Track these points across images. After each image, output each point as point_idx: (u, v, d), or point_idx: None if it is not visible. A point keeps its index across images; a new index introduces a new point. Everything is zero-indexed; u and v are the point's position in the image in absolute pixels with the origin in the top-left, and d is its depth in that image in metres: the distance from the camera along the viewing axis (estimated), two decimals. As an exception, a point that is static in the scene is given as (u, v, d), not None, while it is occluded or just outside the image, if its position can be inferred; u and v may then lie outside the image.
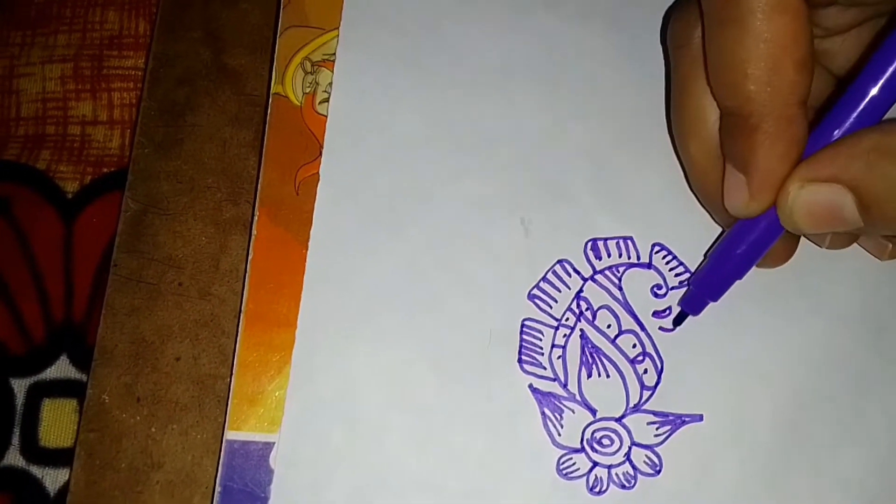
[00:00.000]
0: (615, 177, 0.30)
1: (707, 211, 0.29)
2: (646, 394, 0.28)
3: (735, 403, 0.28)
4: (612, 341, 0.29)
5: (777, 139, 0.24)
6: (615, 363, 0.28)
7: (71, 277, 0.32)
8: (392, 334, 0.28)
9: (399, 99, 0.30)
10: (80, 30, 0.34)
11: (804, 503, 0.28)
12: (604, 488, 0.27)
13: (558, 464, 0.27)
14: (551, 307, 0.29)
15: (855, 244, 0.29)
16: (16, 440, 0.30)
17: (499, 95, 0.31)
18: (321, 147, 0.30)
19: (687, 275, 0.29)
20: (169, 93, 0.32)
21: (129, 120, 0.34)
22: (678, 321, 0.29)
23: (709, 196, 0.28)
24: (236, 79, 0.32)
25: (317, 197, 0.29)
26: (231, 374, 0.28)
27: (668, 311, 0.29)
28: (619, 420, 0.28)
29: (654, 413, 0.28)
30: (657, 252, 0.29)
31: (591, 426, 0.28)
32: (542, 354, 0.28)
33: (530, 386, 0.28)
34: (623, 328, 0.29)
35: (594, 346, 0.28)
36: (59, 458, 0.30)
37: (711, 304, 0.28)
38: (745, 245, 0.26)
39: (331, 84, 0.30)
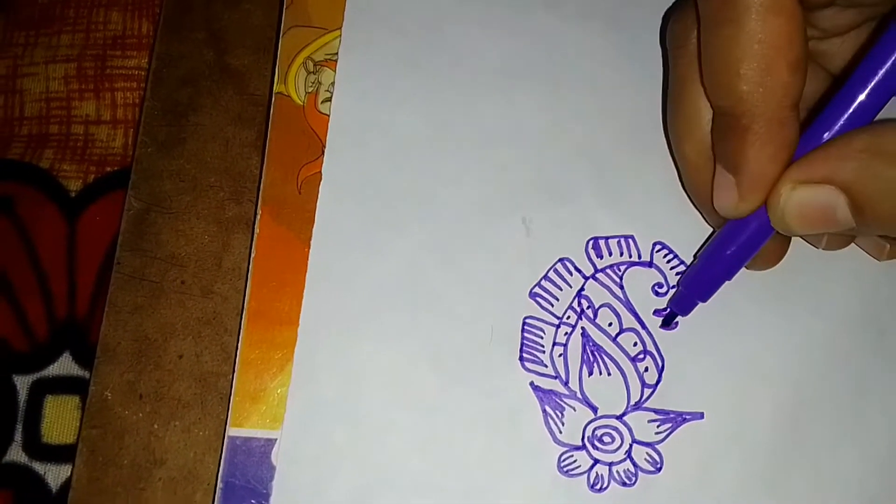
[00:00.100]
0: (616, 176, 0.30)
1: (698, 211, 0.29)
2: (647, 392, 0.28)
3: (736, 402, 0.28)
4: (614, 339, 0.29)
5: (768, 140, 0.24)
6: (616, 361, 0.28)
7: (74, 275, 0.32)
8: (393, 332, 0.28)
9: (401, 98, 0.31)
10: (84, 30, 0.35)
11: (804, 502, 0.28)
12: (605, 486, 0.27)
13: (559, 461, 0.27)
14: (553, 305, 0.29)
15: (853, 245, 0.29)
16: (18, 436, 0.30)
17: (499, 95, 0.31)
18: (323, 146, 0.30)
19: (687, 274, 0.29)
20: (172, 92, 0.32)
21: (132, 119, 0.34)
22: (668, 321, 0.29)
23: (700, 196, 0.28)
24: (239, 78, 0.32)
25: (319, 196, 0.29)
26: (233, 371, 0.28)
27: (669, 310, 0.29)
28: (620, 418, 0.28)
29: (655, 411, 0.28)
30: (658, 251, 0.29)
31: (592, 424, 0.28)
32: (544, 352, 0.28)
33: (531, 384, 0.28)
34: (624, 326, 0.29)
35: (595, 344, 0.29)
36: (62, 454, 0.30)
37: (713, 304, 0.28)
38: (735, 246, 0.26)
39: (333, 84, 0.31)
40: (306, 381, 0.28)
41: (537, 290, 0.29)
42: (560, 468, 0.27)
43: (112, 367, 0.29)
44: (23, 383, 0.31)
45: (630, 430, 0.28)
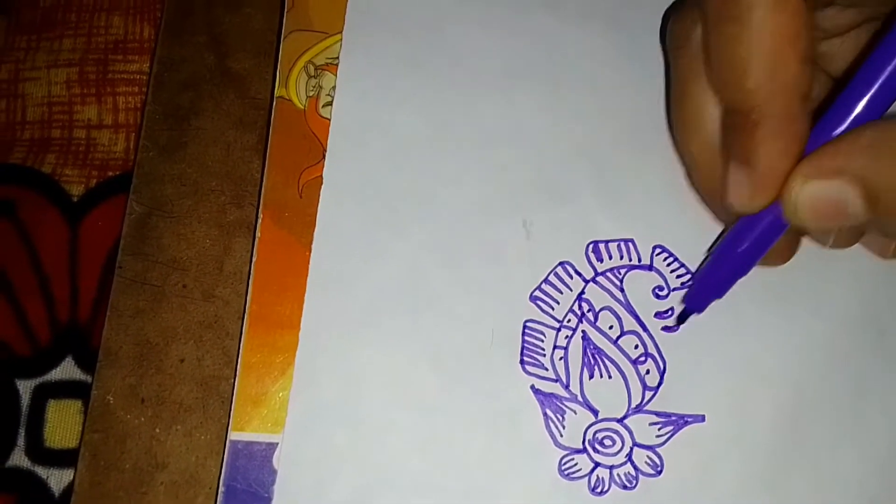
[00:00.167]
0: (616, 178, 0.30)
1: (708, 209, 0.29)
2: (648, 394, 0.28)
3: (737, 404, 0.28)
4: (614, 342, 0.29)
5: (779, 134, 0.24)
6: (617, 364, 0.28)
7: (76, 280, 0.32)
8: (394, 336, 0.28)
9: (401, 102, 0.31)
10: (86, 34, 0.35)
11: (804, 503, 0.28)
12: (605, 489, 0.27)
13: (560, 464, 0.28)
14: (553, 308, 0.29)
15: (857, 245, 0.29)
16: (21, 441, 0.30)
17: (500, 97, 0.31)
18: (324, 150, 0.30)
19: (688, 276, 0.29)
20: (173, 97, 0.32)
21: (133, 124, 0.34)
22: (682, 318, 0.29)
23: (710, 194, 0.28)
24: (240, 83, 0.32)
25: (320, 200, 0.29)
26: (235, 375, 0.28)
27: (669, 312, 0.29)
28: (620, 421, 0.28)
29: (656, 413, 0.28)
30: (658, 254, 0.29)
31: (593, 427, 0.28)
32: (544, 355, 0.28)
33: (532, 387, 0.28)
34: (625, 329, 0.29)
35: (596, 347, 0.29)
36: (64, 458, 0.30)
37: (713, 305, 0.28)
38: (748, 242, 0.26)
39: (334, 87, 0.31)
40: (307, 384, 0.28)
41: (538, 293, 0.29)
42: (561, 471, 0.27)
43: (114, 372, 0.29)
44: (25, 388, 0.31)
45: (631, 433, 0.28)
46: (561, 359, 0.28)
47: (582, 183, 0.30)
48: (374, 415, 0.28)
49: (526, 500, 0.27)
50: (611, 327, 0.29)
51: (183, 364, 0.29)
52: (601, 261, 0.29)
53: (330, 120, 0.30)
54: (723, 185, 0.26)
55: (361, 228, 0.29)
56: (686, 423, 0.28)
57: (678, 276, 0.29)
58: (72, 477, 0.29)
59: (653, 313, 0.29)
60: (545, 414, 0.28)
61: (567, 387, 0.28)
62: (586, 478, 0.27)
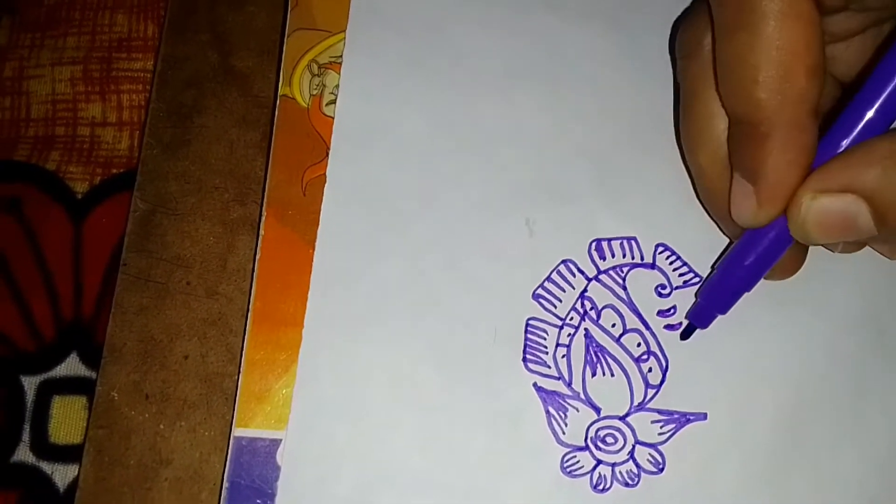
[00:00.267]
0: (618, 177, 0.30)
1: (715, 222, 0.29)
2: (650, 392, 0.28)
3: (738, 403, 0.28)
4: (617, 340, 0.29)
5: (787, 147, 0.23)
6: (620, 362, 0.29)
7: (80, 277, 0.32)
8: (397, 333, 0.28)
9: (404, 100, 0.31)
10: (90, 32, 0.35)
11: (805, 502, 0.28)
12: (607, 486, 0.28)
13: (562, 462, 0.28)
14: (556, 307, 0.29)
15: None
16: (26, 436, 0.30)
17: (501, 96, 0.31)
18: (328, 148, 0.30)
19: (690, 275, 0.29)
20: (177, 94, 0.32)
21: (137, 121, 0.34)
22: (686, 334, 0.29)
23: (717, 206, 0.27)
24: (244, 81, 0.32)
25: (323, 198, 0.29)
26: (238, 372, 0.28)
27: (672, 311, 0.29)
28: (623, 418, 0.28)
29: (659, 411, 0.28)
30: (661, 252, 0.30)
31: (596, 424, 0.28)
32: (547, 353, 0.29)
33: (535, 384, 0.28)
34: (628, 327, 0.29)
35: (599, 345, 0.29)
36: (69, 454, 0.30)
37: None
38: (754, 256, 0.26)
39: (338, 86, 0.31)
40: (311, 381, 0.28)
41: (540, 291, 0.29)
42: (563, 469, 0.28)
43: (118, 368, 0.29)
44: (30, 384, 0.31)
45: (633, 430, 0.28)
46: (563, 357, 0.28)
47: (583, 182, 0.30)
48: (377, 412, 0.28)
49: (528, 497, 0.27)
50: (613, 325, 0.29)
51: (187, 361, 0.29)
52: (604, 259, 0.29)
53: (333, 118, 0.30)
54: (729, 198, 0.26)
55: (365, 226, 0.29)
56: (688, 421, 0.28)
57: (681, 275, 0.29)
58: (76, 472, 0.29)
59: (655, 311, 0.29)
60: (547, 411, 0.28)
61: (569, 384, 0.28)
62: (588, 475, 0.28)
